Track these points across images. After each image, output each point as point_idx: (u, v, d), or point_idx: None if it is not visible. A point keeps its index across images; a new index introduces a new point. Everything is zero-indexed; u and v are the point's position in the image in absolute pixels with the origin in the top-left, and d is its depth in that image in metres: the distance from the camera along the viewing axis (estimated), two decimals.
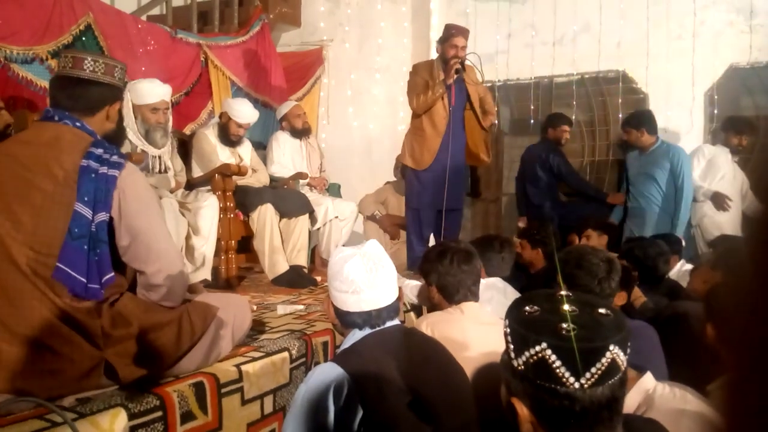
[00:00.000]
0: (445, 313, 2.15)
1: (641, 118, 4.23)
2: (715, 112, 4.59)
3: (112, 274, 1.58)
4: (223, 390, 1.74)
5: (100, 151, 1.61)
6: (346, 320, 1.54)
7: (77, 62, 1.69)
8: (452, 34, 3.68)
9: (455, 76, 3.59)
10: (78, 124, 1.66)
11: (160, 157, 3.21)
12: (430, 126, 3.72)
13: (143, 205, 1.63)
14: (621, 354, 0.95)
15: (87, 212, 1.54)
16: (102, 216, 1.56)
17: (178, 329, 1.67)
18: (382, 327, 1.52)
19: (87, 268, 1.53)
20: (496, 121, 5.34)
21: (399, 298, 1.57)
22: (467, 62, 3.67)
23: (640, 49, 4.82)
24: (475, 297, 2.18)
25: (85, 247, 1.53)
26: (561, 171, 4.62)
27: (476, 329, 2.00)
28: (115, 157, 1.62)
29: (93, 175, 1.57)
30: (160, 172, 3.22)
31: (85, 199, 1.54)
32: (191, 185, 3.50)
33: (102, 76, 1.71)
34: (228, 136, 3.62)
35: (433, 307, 2.36)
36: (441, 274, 2.17)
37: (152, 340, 1.59)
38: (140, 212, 1.62)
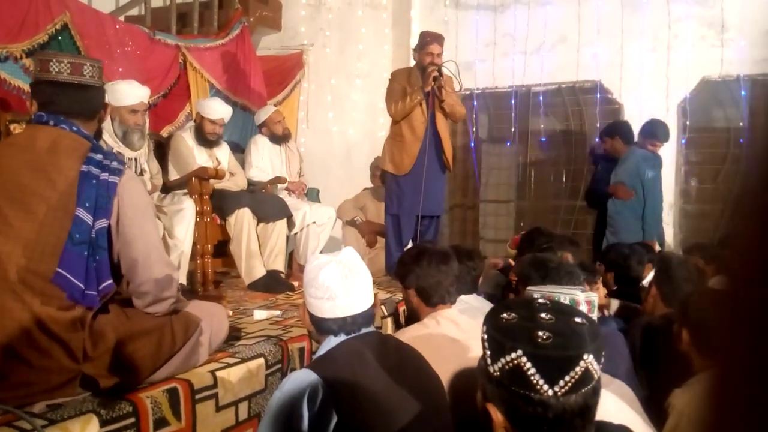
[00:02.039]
0: (421, 326, 2.11)
1: (615, 127, 4.32)
2: (688, 123, 4.69)
3: (111, 281, 1.56)
4: (198, 396, 1.72)
5: (99, 156, 1.60)
6: (321, 327, 1.53)
7: (76, 68, 1.67)
8: (427, 41, 3.71)
9: (433, 84, 3.62)
10: (75, 128, 1.64)
11: (136, 160, 3.16)
12: (410, 131, 3.75)
13: (139, 213, 1.63)
14: (595, 363, 0.97)
15: (88, 218, 1.53)
16: (102, 222, 1.55)
17: (158, 340, 1.65)
18: (357, 333, 1.51)
19: (86, 274, 1.51)
20: (474, 128, 5.39)
21: (374, 305, 1.57)
22: (444, 70, 3.70)
23: (616, 61, 4.91)
24: (452, 298, 2.17)
25: (85, 253, 1.52)
26: None
27: (451, 346, 1.96)
28: (115, 164, 1.61)
29: (94, 181, 1.56)
30: (136, 174, 3.17)
31: (87, 205, 1.53)
32: (167, 188, 3.46)
33: (98, 80, 1.72)
34: (204, 136, 3.60)
35: (412, 311, 2.36)
36: (419, 276, 2.15)
37: (131, 352, 1.57)
38: (135, 220, 1.61)
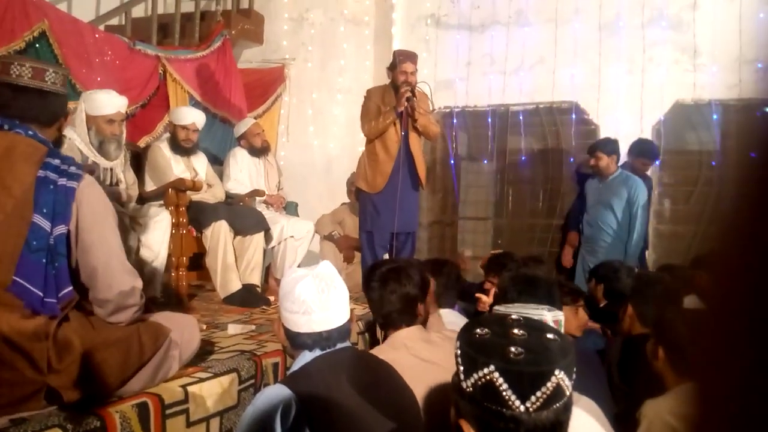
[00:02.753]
0: (378, 352, 1.90)
1: (614, 146, 4.31)
2: (662, 145, 4.79)
3: (70, 288, 1.53)
4: (168, 411, 1.69)
5: (57, 161, 1.57)
6: (296, 341, 1.52)
7: (38, 73, 1.65)
8: (401, 60, 3.76)
9: (406, 104, 3.65)
10: (30, 132, 1.61)
11: (111, 170, 3.13)
12: (383, 150, 3.78)
13: (98, 219, 1.59)
14: (566, 379, 0.98)
15: (46, 224, 1.49)
16: (61, 228, 1.51)
17: (126, 350, 1.62)
18: (332, 349, 1.51)
19: (45, 282, 1.48)
20: (453, 146, 5.44)
21: (351, 320, 1.56)
22: (418, 89, 3.74)
23: (593, 82, 5.01)
24: (402, 318, 1.97)
25: (44, 260, 1.48)
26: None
27: (407, 372, 1.73)
28: (73, 168, 1.58)
29: (51, 187, 1.52)
30: (111, 184, 3.13)
31: (44, 210, 1.50)
32: (143, 199, 3.42)
33: (60, 88, 1.69)
34: (178, 143, 3.58)
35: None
36: (370, 299, 1.99)
37: (98, 363, 1.54)
38: (94, 226, 1.57)
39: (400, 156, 3.75)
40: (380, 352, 1.87)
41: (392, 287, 1.97)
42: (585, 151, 4.86)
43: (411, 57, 3.79)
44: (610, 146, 4.29)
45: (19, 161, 1.54)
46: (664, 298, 2.32)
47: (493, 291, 2.89)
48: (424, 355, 1.89)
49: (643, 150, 4.36)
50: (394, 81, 3.77)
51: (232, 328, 2.63)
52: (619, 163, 4.29)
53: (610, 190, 4.27)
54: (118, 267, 1.62)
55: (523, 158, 5.32)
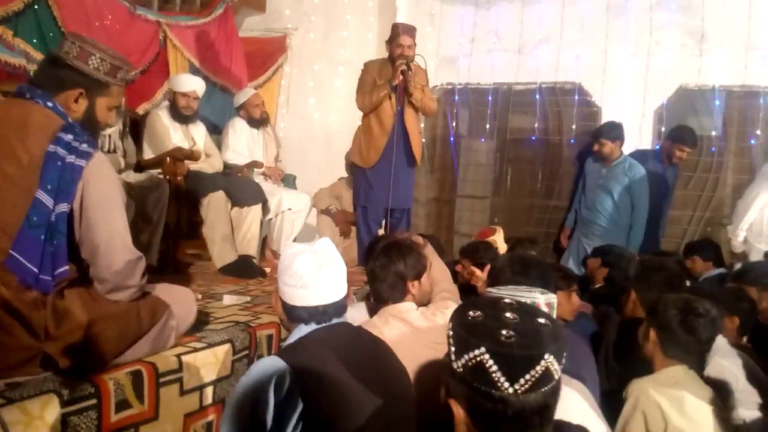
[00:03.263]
0: (370, 326, 1.89)
1: (619, 131, 4.30)
2: (663, 129, 4.77)
3: (66, 267, 1.52)
4: (162, 380, 1.71)
5: (69, 137, 1.54)
6: (292, 314, 1.54)
7: (83, 54, 1.65)
8: (398, 33, 3.72)
9: (401, 77, 3.62)
10: (50, 104, 1.59)
11: (109, 136, 3.12)
12: (378, 125, 3.76)
13: (105, 198, 1.58)
14: (555, 363, 0.99)
15: (48, 201, 1.48)
16: (63, 207, 1.50)
17: (124, 324, 1.63)
18: (328, 323, 1.52)
19: (41, 259, 1.47)
20: (454, 123, 5.42)
21: (347, 296, 1.58)
22: (415, 63, 3.70)
23: (597, 64, 4.96)
24: (396, 294, 1.98)
25: (42, 237, 1.47)
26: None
27: (400, 347, 1.75)
28: (84, 146, 1.56)
29: (59, 163, 1.50)
30: (109, 151, 3.13)
31: (48, 187, 1.48)
32: (141, 167, 3.42)
33: (77, 61, 1.66)
34: (178, 111, 3.57)
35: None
36: (371, 271, 2.00)
37: (95, 334, 1.55)
38: (100, 205, 1.56)
39: (394, 131, 3.73)
40: (369, 325, 1.88)
41: (382, 262, 1.98)
42: (586, 133, 4.86)
43: (409, 30, 3.75)
44: (615, 132, 4.28)
45: (32, 132, 1.52)
46: (667, 285, 2.34)
47: (480, 271, 2.90)
48: (414, 325, 1.90)
49: (684, 137, 4.27)
50: (391, 54, 3.73)
51: (228, 299, 2.65)
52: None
53: (611, 176, 4.27)
54: (121, 247, 1.61)
55: (523, 138, 5.30)
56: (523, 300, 1.41)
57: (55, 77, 1.64)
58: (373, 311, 2.13)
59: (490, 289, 1.60)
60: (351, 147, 4.03)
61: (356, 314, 2.17)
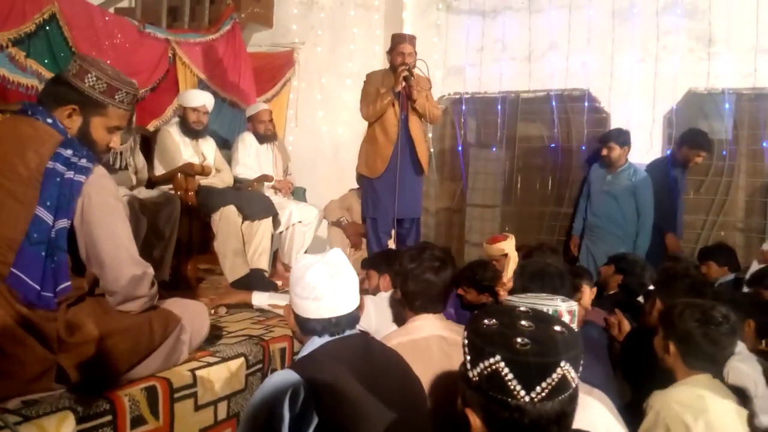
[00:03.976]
0: (404, 331, 2.00)
1: (627, 137, 4.26)
2: (673, 134, 4.75)
3: (68, 283, 1.52)
4: (176, 395, 1.71)
5: (69, 152, 1.55)
6: (305, 327, 1.53)
7: (81, 72, 1.65)
8: (398, 42, 3.74)
9: (404, 84, 3.63)
10: (50, 120, 1.60)
11: (121, 154, 3.16)
12: (382, 134, 3.76)
13: (107, 212, 1.58)
14: (572, 371, 0.98)
15: (48, 218, 1.48)
16: (63, 223, 1.50)
17: (136, 337, 1.63)
18: (341, 335, 1.52)
19: (42, 276, 1.47)
20: (462, 132, 5.42)
21: (360, 308, 1.57)
22: (417, 70, 3.72)
23: (605, 70, 4.96)
24: (437, 307, 2.05)
25: (43, 253, 1.47)
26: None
27: (433, 354, 1.89)
28: (83, 161, 1.56)
29: (58, 179, 1.50)
30: (120, 168, 3.16)
31: (48, 203, 1.48)
32: (153, 183, 3.44)
33: (99, 95, 1.66)
34: (189, 126, 3.60)
35: (396, 311, 2.33)
36: (407, 274, 2.02)
37: (108, 347, 1.55)
38: (103, 219, 1.56)
39: (399, 139, 3.73)
40: (407, 332, 1.94)
41: (435, 277, 1.99)
42: (596, 139, 4.84)
43: (409, 39, 3.77)
44: (623, 137, 4.26)
45: (31, 148, 1.53)
46: (692, 291, 2.26)
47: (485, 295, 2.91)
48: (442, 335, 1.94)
49: (702, 143, 4.18)
50: (392, 63, 3.75)
51: (257, 298, 2.65)
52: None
53: (616, 183, 4.25)
54: (127, 259, 1.61)
55: (532, 146, 5.29)
56: (544, 308, 1.40)
57: (52, 93, 1.65)
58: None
59: (508, 298, 1.59)
60: (357, 159, 4.03)
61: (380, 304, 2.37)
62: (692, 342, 1.81)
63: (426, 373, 1.68)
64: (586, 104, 5.01)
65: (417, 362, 1.66)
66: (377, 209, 3.83)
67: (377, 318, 2.37)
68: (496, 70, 5.26)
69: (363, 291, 2.62)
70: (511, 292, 2.00)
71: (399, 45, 3.71)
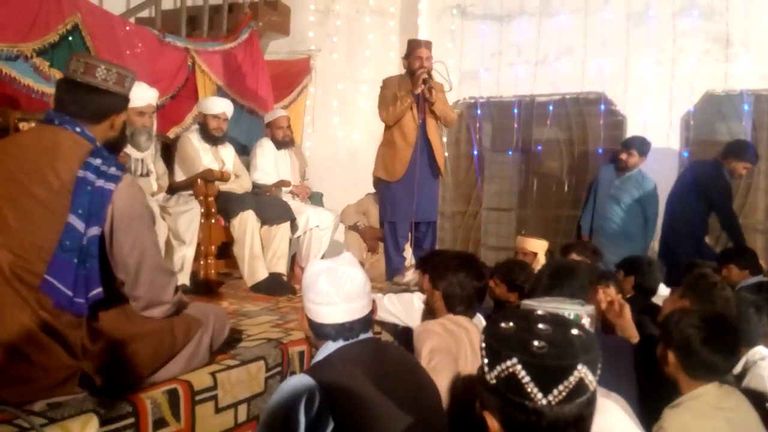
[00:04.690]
0: (439, 324, 2.13)
1: (648, 148, 4.23)
2: (690, 136, 4.69)
3: (100, 289, 1.53)
4: (197, 397, 1.72)
5: (98, 161, 1.56)
6: (319, 332, 1.54)
7: (89, 69, 1.64)
8: (414, 46, 3.76)
9: (423, 86, 3.64)
10: (78, 129, 1.61)
11: (142, 160, 3.19)
12: (401, 137, 3.77)
13: (135, 220, 1.59)
14: (589, 374, 0.97)
15: (80, 225, 1.50)
16: (94, 230, 1.52)
17: (158, 342, 1.64)
18: (355, 339, 1.52)
19: (74, 282, 1.48)
20: (477, 136, 5.40)
21: (373, 311, 1.57)
22: (434, 74, 3.72)
23: (621, 73, 4.92)
24: (473, 312, 2.23)
25: (75, 260, 1.49)
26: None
27: (462, 351, 2.02)
28: (113, 169, 1.58)
29: (89, 188, 1.52)
30: (142, 175, 3.19)
31: (79, 211, 1.50)
32: (173, 189, 3.48)
33: (113, 85, 1.68)
34: (209, 133, 3.62)
35: (431, 311, 2.37)
36: (452, 283, 2.19)
37: (131, 352, 1.57)
38: (130, 226, 1.58)
39: (418, 143, 3.74)
40: (442, 325, 2.07)
41: (477, 284, 2.20)
42: (612, 142, 4.80)
43: (425, 44, 3.79)
44: (645, 147, 4.23)
45: (62, 158, 1.55)
46: (717, 302, 2.13)
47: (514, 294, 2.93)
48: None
49: (747, 154, 4.06)
50: (410, 67, 3.76)
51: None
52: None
53: (623, 187, 4.24)
54: (152, 266, 1.63)
55: (548, 149, 5.26)
56: (564, 312, 1.39)
57: (97, 106, 1.66)
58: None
59: (526, 302, 1.59)
60: (374, 163, 4.03)
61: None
62: (691, 350, 1.71)
63: (457, 368, 1.70)
64: (601, 107, 4.98)
65: (452, 355, 1.69)
66: (395, 213, 3.83)
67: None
68: (511, 74, 5.25)
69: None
70: (532, 291, 2.00)
71: (416, 50, 3.73)
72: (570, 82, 5.07)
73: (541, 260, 3.34)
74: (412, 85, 3.68)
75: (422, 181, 3.72)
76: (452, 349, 1.99)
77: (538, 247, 3.89)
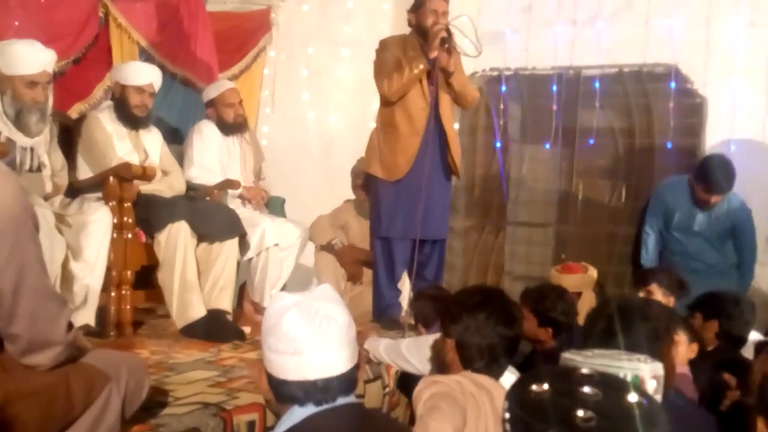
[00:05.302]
0: (453, 382, 2.13)
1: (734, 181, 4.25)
2: None
3: None
4: None
5: None
6: (282, 393, 1.53)
7: None
8: None
9: (442, 47, 3.66)
10: None
11: (32, 149, 3.17)
12: (406, 121, 3.79)
13: (9, 224, 1.56)
14: None
15: None
16: None
17: (48, 403, 1.63)
18: (331, 405, 1.51)
19: None
20: (501, 122, 5.43)
21: (357, 366, 1.57)
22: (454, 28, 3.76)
23: (699, 38, 4.96)
24: (500, 370, 2.21)
25: None
26: None
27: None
28: None
29: None
30: (31, 170, 3.17)
31: None
32: (75, 190, 3.47)
33: None
34: (129, 112, 3.62)
35: (441, 366, 2.39)
36: (468, 328, 2.19)
37: (10, 417, 1.55)
38: (4, 234, 1.57)
39: (429, 129, 3.76)
40: (458, 385, 2.06)
41: (504, 330, 2.20)
42: (686, 133, 4.83)
43: None
44: (732, 183, 4.25)
45: None
46: None
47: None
48: None
49: None
50: (420, 25, 3.79)
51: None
52: None
53: (710, 222, 4.27)
54: (36, 290, 1.60)
55: (598, 142, 5.30)
56: (619, 372, 1.40)
57: None
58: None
59: (567, 355, 1.59)
60: (366, 155, 4.04)
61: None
62: None
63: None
64: (672, 85, 5.02)
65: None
66: (393, 226, 3.84)
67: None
68: (549, 38, 5.28)
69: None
70: (585, 339, 2.02)
71: (430, 1, 3.76)
72: (629, 50, 5.11)
73: (589, 298, 3.35)
74: (426, 46, 3.70)
75: (431, 183, 3.72)
76: (466, 411, 1.99)
77: (579, 284, 3.85)
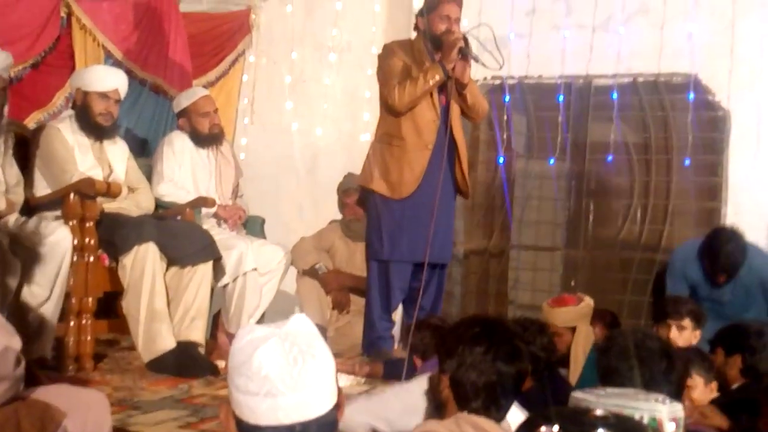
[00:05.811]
0: (465, 424, 2.11)
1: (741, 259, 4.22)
2: None
3: None
4: None
5: None
6: None
7: None
8: (440, 1, 3.80)
9: (459, 58, 3.68)
10: None
11: None
12: (413, 133, 3.79)
13: None
14: None
15: None
16: None
17: None
18: None
19: None
20: (504, 135, 5.44)
21: (338, 407, 1.55)
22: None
23: (722, 44, 5.00)
24: (500, 412, 2.14)
25: None
26: None
27: None
28: None
29: None
30: None
31: None
32: (32, 208, 3.45)
33: None
34: (92, 120, 3.61)
35: (437, 405, 2.36)
36: (463, 364, 2.12)
37: None
38: None
39: (439, 143, 3.78)
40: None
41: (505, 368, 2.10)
42: (707, 149, 4.85)
43: None
44: (740, 261, 4.26)
45: None
46: None
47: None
48: None
49: None
50: (431, 30, 3.80)
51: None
52: None
53: (740, 286, 4.30)
54: None
55: (612, 157, 5.31)
56: (633, 413, 1.39)
57: None
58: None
59: (579, 394, 1.58)
60: (363, 170, 4.02)
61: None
62: None
63: None
64: (691, 96, 5.04)
65: None
66: (398, 247, 3.83)
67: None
68: (556, 44, 5.31)
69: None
70: (583, 383, 2.01)
71: (442, 5, 3.79)
72: (644, 58, 5.14)
73: (585, 333, 3.34)
74: (442, 55, 3.71)
75: (440, 201, 3.72)
76: None
77: (574, 318, 3.77)
